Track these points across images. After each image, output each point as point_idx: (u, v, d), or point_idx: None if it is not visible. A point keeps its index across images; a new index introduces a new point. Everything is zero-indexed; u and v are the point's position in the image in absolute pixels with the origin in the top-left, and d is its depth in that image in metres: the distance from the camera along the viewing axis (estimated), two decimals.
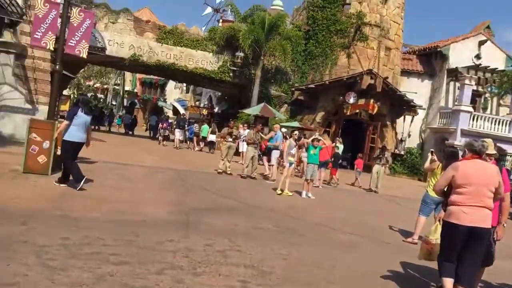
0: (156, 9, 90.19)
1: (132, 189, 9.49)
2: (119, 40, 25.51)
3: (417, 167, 27.31)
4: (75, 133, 8.43)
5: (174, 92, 54.20)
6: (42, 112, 15.37)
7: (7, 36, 14.74)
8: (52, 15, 9.51)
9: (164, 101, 54.22)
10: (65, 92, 51.13)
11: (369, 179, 16.57)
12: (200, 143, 26.05)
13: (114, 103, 55.55)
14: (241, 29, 26.64)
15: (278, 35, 26.92)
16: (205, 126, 26.10)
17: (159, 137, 27.23)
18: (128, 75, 55.37)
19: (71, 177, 8.50)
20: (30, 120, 9.18)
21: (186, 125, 26.61)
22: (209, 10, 46.24)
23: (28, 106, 15.27)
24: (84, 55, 10.02)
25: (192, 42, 27.24)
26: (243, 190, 11.69)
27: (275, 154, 14.20)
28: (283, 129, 16.21)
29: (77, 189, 8.22)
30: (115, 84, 55.70)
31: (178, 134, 25.16)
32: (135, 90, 57.75)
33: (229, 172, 14.52)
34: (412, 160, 28.09)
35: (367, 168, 23.49)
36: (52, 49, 9.85)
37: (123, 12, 25.99)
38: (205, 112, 42.37)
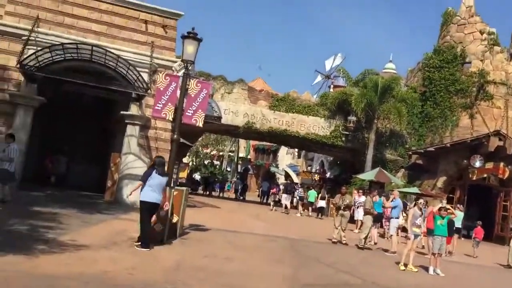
0: (268, 79, 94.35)
1: (244, 259, 9.15)
2: (234, 109, 26.56)
3: None
4: (149, 194, 8.54)
5: (286, 158, 54.75)
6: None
7: (134, 109, 15.93)
8: (172, 88, 10.03)
9: (276, 166, 54.89)
10: (184, 159, 54.44)
11: (507, 252, 14.47)
12: (309, 208, 25.78)
13: (228, 169, 57.52)
14: (353, 93, 26.37)
15: (392, 98, 26.13)
16: (312, 191, 25.97)
17: (270, 202, 27.30)
18: (242, 142, 57.42)
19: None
20: None
21: (293, 190, 26.50)
22: (319, 78, 47.01)
23: None
24: (200, 124, 10.31)
25: (303, 108, 27.48)
26: (361, 264, 10.76)
27: (394, 223, 13.08)
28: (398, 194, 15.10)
29: (138, 247, 8.37)
30: (230, 151, 57.94)
31: (285, 199, 25.30)
32: (249, 156, 59.45)
33: (344, 242, 13.66)
34: None
35: (501, 240, 20.86)
36: (171, 120, 10.27)
37: (238, 82, 27.24)
38: (317, 177, 41.85)
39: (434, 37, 29.02)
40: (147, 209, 8.65)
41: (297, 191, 26.62)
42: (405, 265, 10.52)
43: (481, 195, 24.75)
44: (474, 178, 23.89)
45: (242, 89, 27.29)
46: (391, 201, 13.47)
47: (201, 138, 51.08)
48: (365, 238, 12.99)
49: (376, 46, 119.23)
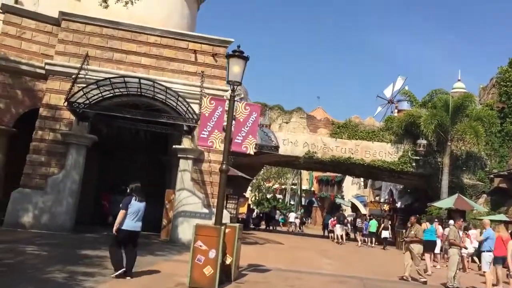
0: (328, 107, 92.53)
1: None
2: (293, 139, 25.39)
3: None
4: (128, 222, 8.22)
5: (351, 188, 52.41)
6: None
7: (186, 143, 15.17)
8: (218, 113, 9.01)
9: (342, 198, 52.62)
10: (247, 194, 53.53)
11: None
12: (369, 238, 25.00)
13: (292, 202, 55.89)
14: (421, 114, 24.41)
15: (466, 117, 23.89)
16: (373, 221, 25.42)
17: (330, 235, 26.81)
18: (304, 174, 55.78)
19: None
20: (196, 226, 8.34)
21: (345, 220, 26.29)
22: (379, 109, 44.93)
23: (205, 210, 15.10)
24: (251, 151, 9.17)
25: (367, 133, 25.77)
26: None
27: (487, 258, 11.03)
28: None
29: (112, 276, 8.12)
30: (293, 184, 56.42)
31: (339, 230, 24.62)
32: (312, 189, 57.56)
33: (421, 279, 11.76)
34: None
35: None
36: (219, 148, 9.24)
37: (296, 111, 26.10)
38: (386, 207, 39.32)
39: (504, 51, 26.68)
40: (126, 237, 8.28)
41: (357, 221, 26.13)
42: None
43: None
44: None
45: (301, 118, 26.09)
46: (481, 234, 11.47)
47: (262, 172, 50.22)
48: (454, 276, 11.04)
49: (440, 69, 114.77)
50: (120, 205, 8.40)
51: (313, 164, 27.67)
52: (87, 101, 13.95)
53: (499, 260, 11.85)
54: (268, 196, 52.50)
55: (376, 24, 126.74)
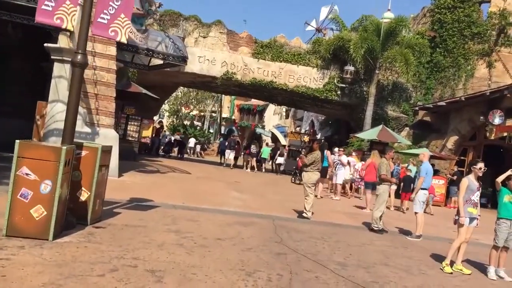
0: (253, 29, 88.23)
1: (187, 269, 5.26)
2: (210, 56, 22.38)
3: None
4: None
5: (273, 119, 50.77)
6: (104, 136, 12.10)
7: (63, 41, 11.71)
8: None
9: (263, 128, 50.95)
10: (164, 120, 50.14)
11: None
12: (263, 165, 25.66)
13: (211, 130, 53.48)
14: (351, 38, 22.19)
15: (397, 45, 22.04)
16: (266, 148, 26.39)
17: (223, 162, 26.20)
18: (226, 102, 53.16)
19: None
20: (18, 143, 5.38)
21: (236, 146, 25.99)
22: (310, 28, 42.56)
23: (87, 129, 12.05)
24: (122, 38, 6.22)
25: (293, 56, 23.30)
26: (383, 263, 6.94)
27: (421, 196, 9.22)
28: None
29: None
30: (213, 111, 53.71)
31: (229, 154, 25.15)
32: (233, 117, 55.32)
33: (305, 215, 10.00)
34: None
35: None
36: (71, 28, 6.22)
37: (215, 24, 22.86)
38: (306, 138, 38.08)
39: None
40: None
41: (251, 147, 25.40)
42: (452, 264, 6.78)
43: (499, 158, 21.17)
44: (492, 138, 20.34)
45: (220, 33, 22.93)
46: (419, 165, 9.63)
47: (180, 96, 46.88)
48: (381, 216, 9.21)
49: (369, 2, 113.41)
50: None
51: (232, 87, 24.94)
52: None
53: (369, 185, 13.26)
54: (186, 122, 49.60)
55: None
